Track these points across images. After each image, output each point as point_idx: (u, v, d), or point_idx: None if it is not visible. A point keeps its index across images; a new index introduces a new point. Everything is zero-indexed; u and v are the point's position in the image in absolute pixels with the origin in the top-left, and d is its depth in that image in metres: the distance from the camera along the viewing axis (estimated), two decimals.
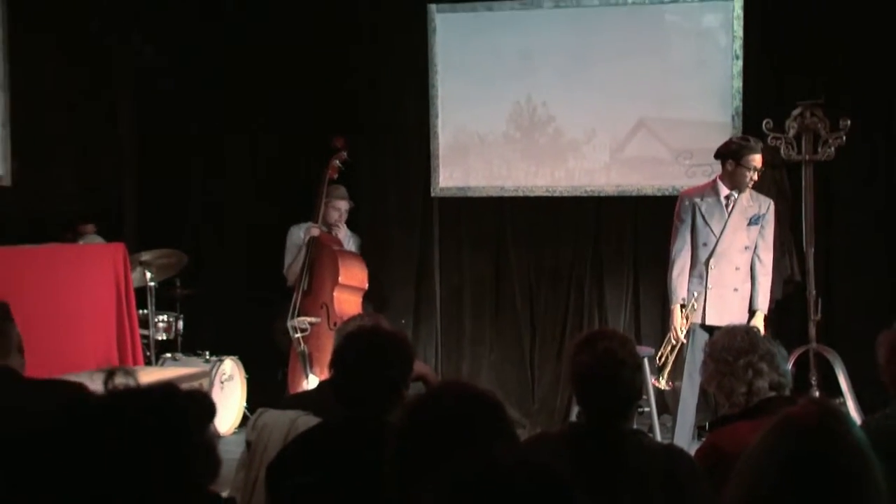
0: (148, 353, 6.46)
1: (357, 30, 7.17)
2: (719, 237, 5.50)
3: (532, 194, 7.03)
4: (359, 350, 2.78)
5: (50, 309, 5.11)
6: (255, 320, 6.92)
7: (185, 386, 2.15)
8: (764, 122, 5.95)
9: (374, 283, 6.70)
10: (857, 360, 5.69)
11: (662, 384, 5.65)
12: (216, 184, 7.58)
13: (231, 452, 3.14)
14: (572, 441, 2.67)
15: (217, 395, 6.37)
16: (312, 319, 6.42)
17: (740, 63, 6.56)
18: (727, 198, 5.51)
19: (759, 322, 5.41)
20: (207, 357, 6.72)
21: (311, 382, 6.20)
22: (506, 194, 7.08)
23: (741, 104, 6.55)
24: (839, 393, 5.71)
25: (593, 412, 2.69)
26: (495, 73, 7.02)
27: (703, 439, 4.07)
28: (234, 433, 6.53)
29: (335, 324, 6.10)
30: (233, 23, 7.41)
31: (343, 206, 6.81)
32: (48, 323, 5.03)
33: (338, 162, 6.64)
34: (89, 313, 5.42)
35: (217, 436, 1.97)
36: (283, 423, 3.15)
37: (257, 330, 6.88)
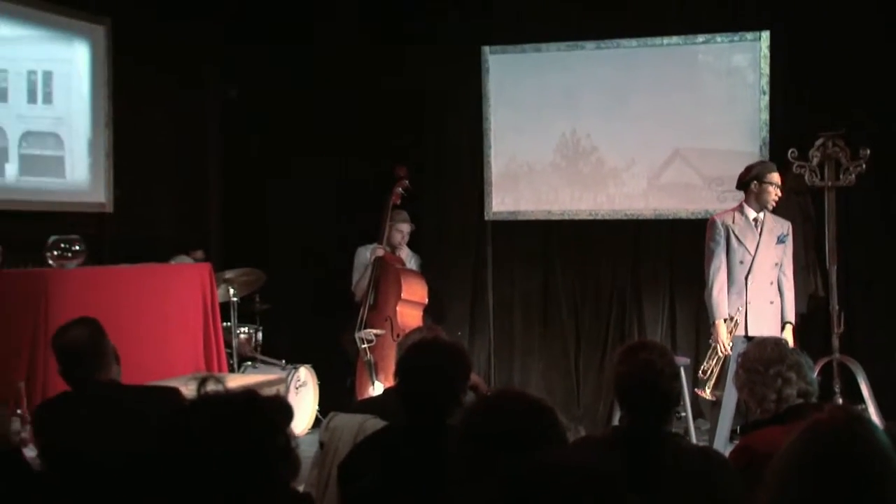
0: (231, 361, 6.52)
1: (420, 71, 7.21)
2: (755, 255, 5.45)
3: (576, 217, 7.01)
4: (421, 360, 2.78)
5: (146, 321, 5.18)
6: (325, 332, 6.95)
7: (264, 391, 2.15)
8: (789, 152, 5.89)
9: (433, 298, 6.70)
10: (877, 368, 5.66)
11: (708, 394, 5.51)
12: (291, 209, 7.64)
13: (305, 452, 3.15)
14: (615, 443, 2.65)
15: (293, 400, 6.40)
16: (378, 331, 6.44)
17: (767, 97, 6.49)
18: (755, 220, 5.49)
19: (788, 334, 5.35)
20: (284, 365, 6.77)
21: (377, 389, 6.21)
22: (552, 217, 7.06)
23: (768, 135, 6.48)
24: (861, 400, 5.62)
25: (635, 417, 2.66)
26: (543, 107, 7.02)
27: (736, 442, 4.01)
28: (308, 434, 6.56)
29: (398, 335, 6.11)
30: (302, 70, 7.50)
31: (405, 228, 6.83)
32: (144, 333, 5.10)
33: (400, 189, 6.68)
34: (180, 325, 5.49)
35: (294, 437, 1.97)
36: (353, 425, 3.15)
37: (327, 340, 6.92)
